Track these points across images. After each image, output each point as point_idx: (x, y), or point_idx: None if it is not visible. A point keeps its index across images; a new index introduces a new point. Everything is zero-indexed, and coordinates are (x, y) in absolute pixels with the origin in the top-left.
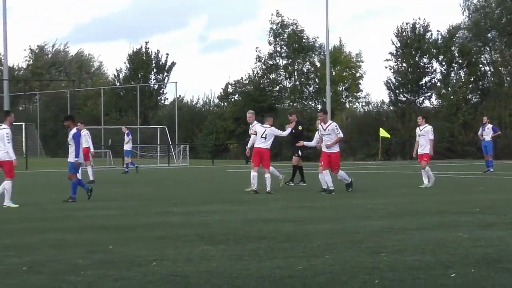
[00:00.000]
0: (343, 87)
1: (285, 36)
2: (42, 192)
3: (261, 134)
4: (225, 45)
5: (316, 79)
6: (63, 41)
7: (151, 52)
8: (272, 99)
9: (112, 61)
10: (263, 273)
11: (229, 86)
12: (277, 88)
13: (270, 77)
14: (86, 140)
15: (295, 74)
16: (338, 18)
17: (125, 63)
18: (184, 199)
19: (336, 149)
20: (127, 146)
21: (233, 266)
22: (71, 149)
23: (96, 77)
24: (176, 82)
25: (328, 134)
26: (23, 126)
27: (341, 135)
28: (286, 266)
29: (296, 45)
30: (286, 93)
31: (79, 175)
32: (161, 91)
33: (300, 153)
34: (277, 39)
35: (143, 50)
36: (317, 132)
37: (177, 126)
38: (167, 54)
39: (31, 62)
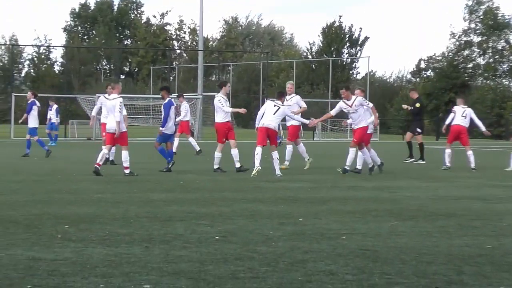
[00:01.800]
0: None
1: (480, 13)
2: (230, 162)
3: (461, 113)
4: (420, 20)
5: (511, 57)
6: (257, 13)
7: (345, 26)
8: (465, 76)
9: (304, 33)
10: (452, 251)
11: (422, 61)
12: (471, 65)
13: (464, 53)
14: (186, 113)
15: (489, 51)
16: None
17: (318, 36)
18: (373, 174)
19: (362, 124)
20: None
21: (422, 243)
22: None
23: (287, 49)
24: (368, 57)
25: (355, 111)
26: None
27: (371, 104)
28: (475, 244)
29: (491, 22)
30: (480, 70)
31: (174, 147)
32: (353, 65)
33: (419, 130)
34: (472, 16)
35: (337, 23)
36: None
37: (368, 100)
38: (361, 28)
39: (224, 33)
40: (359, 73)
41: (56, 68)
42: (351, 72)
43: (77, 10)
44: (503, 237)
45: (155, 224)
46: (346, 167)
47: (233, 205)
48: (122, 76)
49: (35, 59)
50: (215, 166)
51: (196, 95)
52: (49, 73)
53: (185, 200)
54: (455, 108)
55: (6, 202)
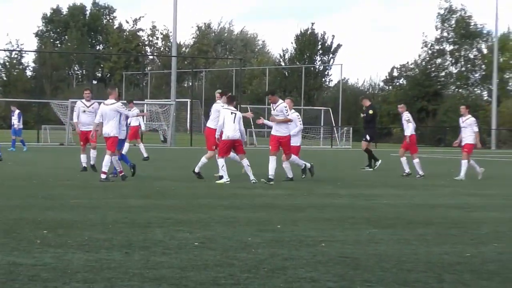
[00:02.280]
0: (510, 75)
1: (453, 21)
2: (206, 169)
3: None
4: (392, 28)
5: (483, 66)
6: (229, 19)
7: (318, 33)
8: (437, 85)
9: (277, 40)
10: (431, 259)
11: (395, 70)
12: (443, 73)
13: (436, 62)
14: (137, 119)
15: (462, 60)
16: (507, 4)
17: (292, 43)
18: (349, 182)
19: (285, 133)
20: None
21: (401, 250)
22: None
23: (260, 56)
24: (341, 64)
25: (276, 115)
26: (188, 103)
27: (290, 117)
28: (454, 252)
29: (464, 31)
30: (452, 79)
31: (144, 153)
32: (326, 73)
33: (368, 137)
34: (445, 24)
35: (310, 31)
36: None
37: (340, 108)
38: (333, 35)
39: (197, 39)
40: (331, 80)
41: (28, 73)
42: (323, 79)
43: (49, 15)
44: (482, 245)
45: (134, 230)
46: (287, 175)
47: (210, 211)
48: (95, 82)
49: (7, 63)
50: (196, 170)
51: (169, 101)
52: (21, 78)
53: (163, 206)
54: (408, 115)
55: None
